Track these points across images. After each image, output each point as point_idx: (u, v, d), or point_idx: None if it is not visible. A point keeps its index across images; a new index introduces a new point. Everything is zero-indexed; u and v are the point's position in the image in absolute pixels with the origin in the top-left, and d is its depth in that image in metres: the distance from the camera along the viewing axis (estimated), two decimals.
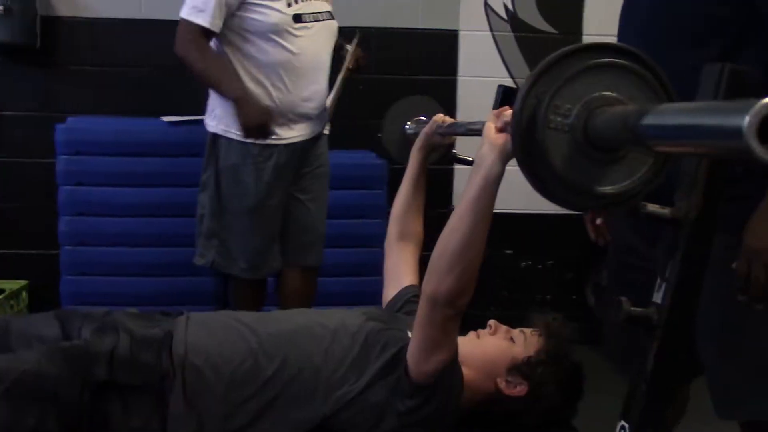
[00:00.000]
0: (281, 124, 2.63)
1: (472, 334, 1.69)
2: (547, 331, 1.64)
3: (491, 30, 3.68)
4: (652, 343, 1.16)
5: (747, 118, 0.68)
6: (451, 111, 3.58)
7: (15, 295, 3.29)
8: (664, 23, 1.59)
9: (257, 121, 2.54)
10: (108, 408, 1.49)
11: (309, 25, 2.61)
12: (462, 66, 3.65)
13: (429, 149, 1.99)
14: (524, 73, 3.69)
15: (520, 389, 1.59)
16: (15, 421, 1.43)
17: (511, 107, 2.01)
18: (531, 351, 1.61)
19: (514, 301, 3.70)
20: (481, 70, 3.66)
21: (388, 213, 3.13)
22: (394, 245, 1.96)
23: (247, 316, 1.71)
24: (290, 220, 2.75)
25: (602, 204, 1.04)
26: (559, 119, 0.98)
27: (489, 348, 1.64)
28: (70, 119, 3.18)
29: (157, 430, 1.51)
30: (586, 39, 3.69)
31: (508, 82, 3.70)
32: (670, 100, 1.01)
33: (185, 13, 2.53)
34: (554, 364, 1.60)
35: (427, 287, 1.44)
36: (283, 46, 2.57)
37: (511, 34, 3.69)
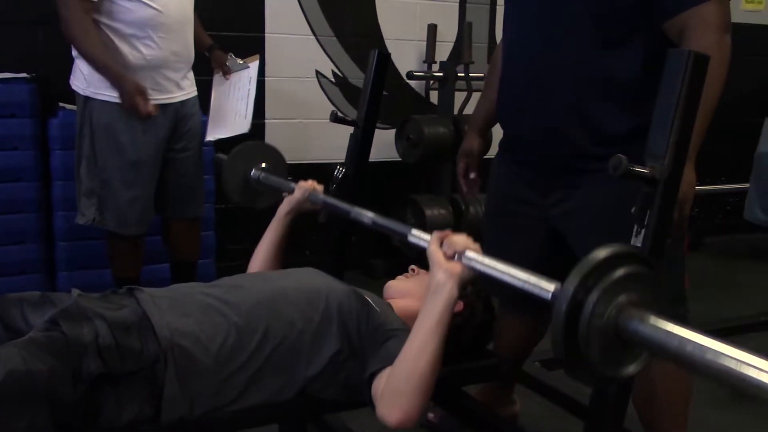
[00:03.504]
0: (154, 85, 2.68)
1: (400, 277, 1.89)
2: None
3: None
4: None
5: None
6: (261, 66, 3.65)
7: None
8: (569, 6, 1.77)
9: (136, 94, 2.60)
10: (100, 400, 1.41)
11: None
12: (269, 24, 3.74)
13: (297, 214, 2.09)
14: (326, 31, 3.86)
15: (457, 307, 1.75)
16: (6, 426, 1.29)
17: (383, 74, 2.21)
18: None
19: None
20: (288, 28, 3.77)
21: None
22: None
23: (213, 289, 1.68)
24: (169, 175, 2.83)
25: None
26: (596, 321, 1.09)
27: (424, 281, 1.77)
28: None
29: (150, 418, 1.46)
30: None
31: (312, 40, 3.86)
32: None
33: None
34: (477, 285, 1.84)
35: (394, 414, 1.45)
36: (148, 4, 2.59)
37: None
